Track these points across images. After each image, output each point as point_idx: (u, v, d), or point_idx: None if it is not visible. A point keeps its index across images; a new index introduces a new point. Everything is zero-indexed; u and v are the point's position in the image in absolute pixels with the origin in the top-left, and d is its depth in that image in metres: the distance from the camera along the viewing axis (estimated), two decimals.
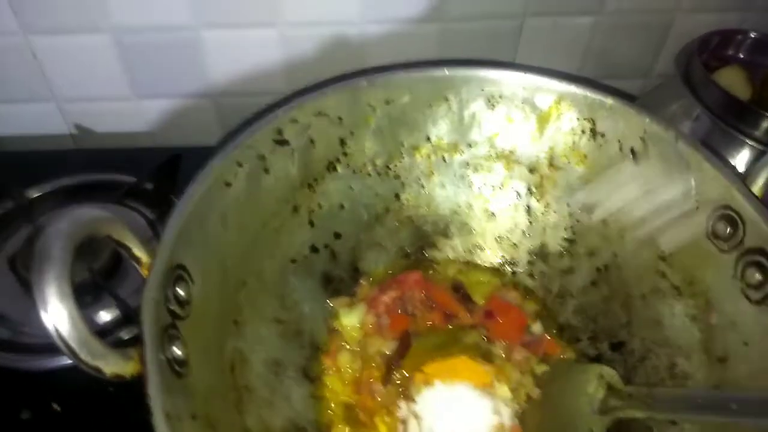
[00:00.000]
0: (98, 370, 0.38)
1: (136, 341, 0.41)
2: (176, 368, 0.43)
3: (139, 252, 0.45)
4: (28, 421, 0.61)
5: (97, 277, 0.68)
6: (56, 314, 0.36)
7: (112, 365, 0.39)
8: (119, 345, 0.42)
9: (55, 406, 0.62)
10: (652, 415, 0.50)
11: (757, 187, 0.52)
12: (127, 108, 0.89)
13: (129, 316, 0.66)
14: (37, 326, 0.67)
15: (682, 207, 0.56)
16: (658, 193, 0.58)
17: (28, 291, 0.69)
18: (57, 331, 0.36)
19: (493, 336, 0.61)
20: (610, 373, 0.53)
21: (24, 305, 0.69)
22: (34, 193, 0.81)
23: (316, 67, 0.80)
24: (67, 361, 0.63)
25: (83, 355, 0.37)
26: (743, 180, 0.53)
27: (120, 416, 0.61)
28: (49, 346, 0.63)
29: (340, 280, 0.64)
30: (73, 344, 0.37)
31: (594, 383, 0.53)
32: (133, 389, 0.60)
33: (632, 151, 0.59)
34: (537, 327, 0.62)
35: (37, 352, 0.65)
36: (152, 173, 0.80)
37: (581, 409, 0.52)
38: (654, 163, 0.58)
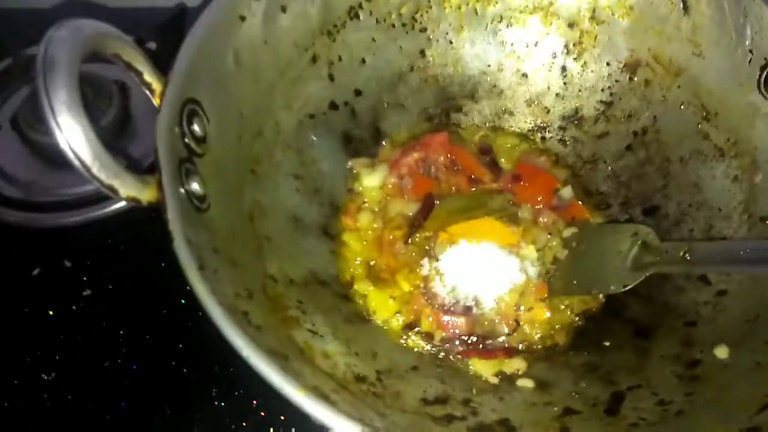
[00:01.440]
0: (113, 189, 0.35)
1: (154, 171, 0.38)
2: (195, 203, 0.40)
3: (150, 78, 0.41)
4: (39, 276, 0.60)
5: (106, 133, 0.65)
6: (67, 126, 0.33)
7: (129, 187, 0.36)
8: None
9: (66, 262, 0.61)
10: (689, 270, 0.48)
11: None
12: None
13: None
14: (46, 185, 0.65)
15: (732, 60, 0.52)
16: (707, 46, 0.54)
17: (33, 149, 0.66)
18: (69, 143, 0.33)
19: (520, 200, 0.58)
20: (645, 231, 0.51)
21: (31, 164, 0.66)
22: (34, 52, 0.75)
23: None
24: (75, 218, 0.62)
25: (97, 171, 0.34)
26: None
27: (128, 271, 0.60)
28: (59, 204, 0.63)
29: (360, 140, 0.61)
30: (86, 159, 0.34)
31: (628, 242, 0.51)
32: (141, 246, 0.59)
33: (684, 1, 0.54)
34: (566, 192, 0.59)
35: (47, 210, 0.63)
36: (155, 31, 0.75)
37: (613, 266, 0.50)
38: (707, 12, 0.53)
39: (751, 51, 0.50)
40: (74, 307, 0.58)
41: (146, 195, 0.37)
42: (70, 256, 0.61)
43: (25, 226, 0.62)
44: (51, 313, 0.57)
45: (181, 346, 0.55)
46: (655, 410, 0.42)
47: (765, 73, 0.50)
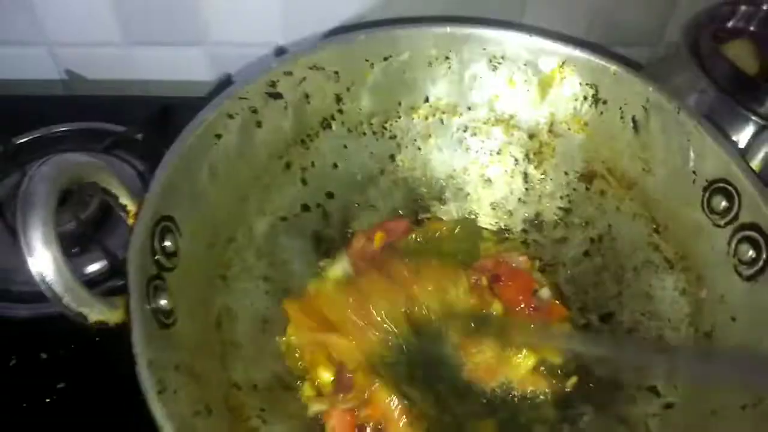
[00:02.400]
0: (83, 317, 0.38)
1: (123, 291, 0.41)
2: (162, 319, 0.43)
3: (126, 200, 0.44)
4: (15, 368, 0.61)
5: (85, 227, 0.67)
6: (41, 259, 0.36)
7: (97, 313, 0.38)
8: (107, 296, 0.41)
9: (42, 354, 0.62)
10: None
11: (755, 163, 0.52)
12: (119, 55, 0.87)
13: (117, 268, 0.65)
14: (26, 274, 0.67)
15: (679, 180, 0.55)
16: (656, 164, 0.57)
17: (16, 238, 0.68)
18: (42, 276, 0.36)
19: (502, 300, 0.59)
20: None
21: (13, 253, 0.66)
22: (23, 139, 0.79)
23: (314, 19, 0.78)
24: (54, 309, 0.64)
25: (68, 301, 0.37)
26: (743, 155, 0.52)
27: (106, 365, 0.60)
28: (38, 294, 0.64)
29: (331, 241, 0.63)
30: (57, 290, 0.36)
31: None
32: (119, 338, 0.60)
33: (633, 120, 0.58)
34: (545, 292, 0.61)
35: (26, 300, 0.64)
36: (142, 123, 0.79)
37: None
38: (654, 133, 0.57)
39: (694, 172, 0.54)
40: (48, 400, 0.59)
41: (114, 317, 0.40)
42: (46, 348, 0.62)
43: (1, 315, 0.64)
44: (24, 405, 0.59)
45: None
46: None
47: (707, 194, 0.53)
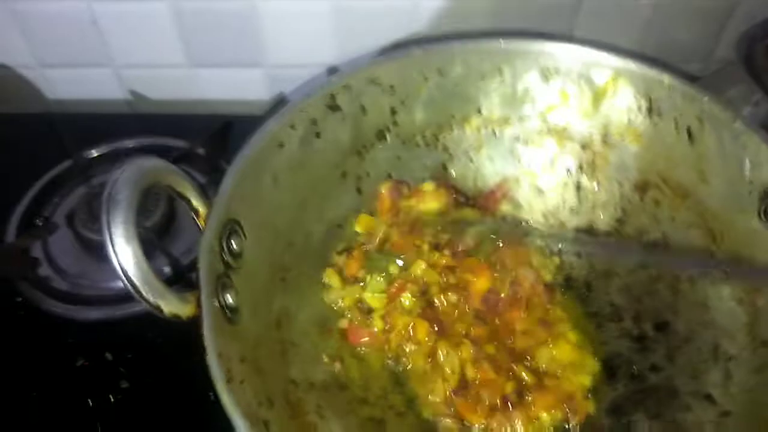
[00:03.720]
0: (159, 308, 0.40)
1: (193, 287, 0.43)
2: (228, 315, 0.45)
3: (197, 203, 0.47)
4: (82, 368, 0.64)
5: (151, 234, 0.70)
6: (123, 254, 0.39)
7: (171, 305, 0.41)
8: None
9: (108, 355, 0.65)
10: None
11: None
12: (181, 75, 0.91)
13: (180, 274, 0.68)
14: (93, 279, 0.71)
15: (734, 188, 0.55)
16: (711, 174, 0.57)
17: (84, 246, 0.72)
18: (123, 269, 0.38)
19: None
20: None
21: (81, 259, 0.72)
22: (91, 154, 0.83)
23: (364, 40, 0.81)
24: (120, 312, 0.67)
25: (146, 293, 0.39)
26: None
27: (164, 366, 0.63)
28: (104, 298, 0.69)
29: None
30: (137, 282, 0.39)
31: None
32: (179, 341, 0.63)
33: (688, 131, 0.58)
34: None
35: (93, 303, 0.68)
36: (204, 139, 0.82)
37: None
38: (709, 143, 0.57)
39: (750, 182, 0.54)
40: (112, 399, 0.62)
41: (186, 311, 0.42)
42: (112, 349, 0.65)
43: (71, 318, 0.67)
44: (90, 402, 0.62)
45: None
46: None
47: (764, 203, 0.53)
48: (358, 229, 0.63)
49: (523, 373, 0.54)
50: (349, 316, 0.58)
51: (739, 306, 0.54)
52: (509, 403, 0.52)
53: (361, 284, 0.59)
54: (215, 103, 0.93)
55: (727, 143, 0.55)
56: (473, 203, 0.66)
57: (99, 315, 0.67)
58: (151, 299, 0.40)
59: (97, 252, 0.72)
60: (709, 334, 0.56)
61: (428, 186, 0.65)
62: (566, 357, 0.55)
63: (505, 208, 0.68)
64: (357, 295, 0.59)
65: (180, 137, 0.85)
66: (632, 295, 0.62)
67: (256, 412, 0.41)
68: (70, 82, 0.92)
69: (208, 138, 0.82)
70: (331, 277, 0.60)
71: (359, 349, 0.57)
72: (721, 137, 0.56)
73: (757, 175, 0.53)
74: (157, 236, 0.72)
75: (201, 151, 0.82)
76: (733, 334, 0.54)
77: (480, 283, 0.58)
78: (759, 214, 0.53)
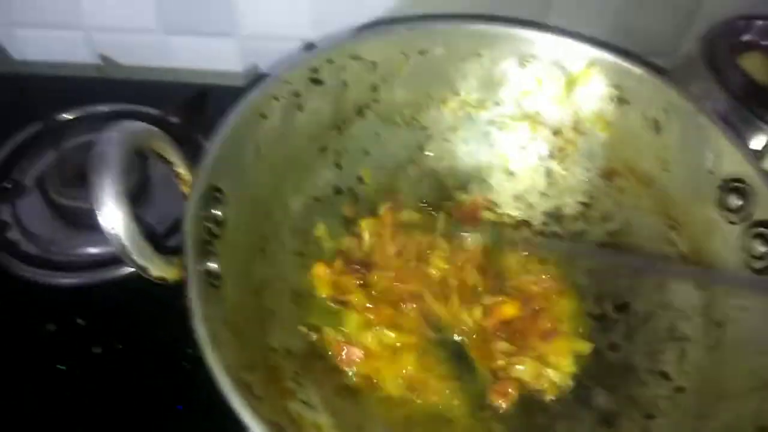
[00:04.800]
0: (146, 270, 0.40)
1: (178, 252, 0.44)
2: (212, 281, 0.46)
3: (181, 169, 0.47)
4: (53, 333, 0.64)
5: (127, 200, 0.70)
6: (111, 215, 0.39)
7: (158, 268, 0.41)
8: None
9: (80, 320, 0.65)
10: None
11: None
12: (154, 42, 0.90)
13: (156, 242, 0.68)
14: (64, 244, 0.70)
15: (695, 179, 0.58)
16: (674, 163, 0.60)
17: (55, 210, 0.71)
18: (112, 230, 0.39)
19: None
20: None
21: (52, 224, 0.71)
22: (62, 118, 0.82)
23: (341, 15, 0.81)
24: (92, 278, 0.67)
25: (134, 255, 0.40)
26: (757, 156, 0.55)
27: (137, 331, 0.64)
28: (75, 264, 0.68)
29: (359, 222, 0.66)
30: (126, 243, 0.39)
31: None
32: (152, 308, 0.63)
33: (655, 122, 0.61)
34: None
35: (64, 269, 0.67)
36: (178, 108, 0.81)
37: None
38: (674, 134, 0.60)
39: (710, 172, 0.57)
40: (84, 364, 0.62)
41: (171, 274, 0.43)
42: (83, 315, 0.65)
43: (42, 282, 0.67)
44: (62, 367, 0.61)
45: (180, 408, 0.59)
46: None
47: (722, 192, 0.56)
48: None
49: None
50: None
51: (696, 289, 0.58)
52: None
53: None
54: (187, 73, 0.92)
55: (690, 135, 0.58)
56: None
57: (70, 281, 0.67)
58: (140, 261, 0.40)
59: (69, 217, 0.71)
60: (666, 315, 0.59)
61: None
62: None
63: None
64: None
65: (152, 105, 0.84)
66: (594, 276, 0.65)
67: (239, 375, 0.42)
68: (39, 43, 0.90)
69: (183, 107, 0.81)
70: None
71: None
72: (686, 129, 0.59)
73: (717, 167, 0.56)
74: (132, 204, 0.71)
75: (174, 119, 0.81)
76: (689, 316, 0.57)
77: None
78: (717, 203, 0.56)
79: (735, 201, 0.55)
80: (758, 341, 0.51)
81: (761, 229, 0.53)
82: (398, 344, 0.56)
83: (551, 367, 0.57)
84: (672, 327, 0.58)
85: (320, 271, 0.60)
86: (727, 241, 0.56)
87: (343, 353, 0.56)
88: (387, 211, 0.65)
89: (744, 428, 0.45)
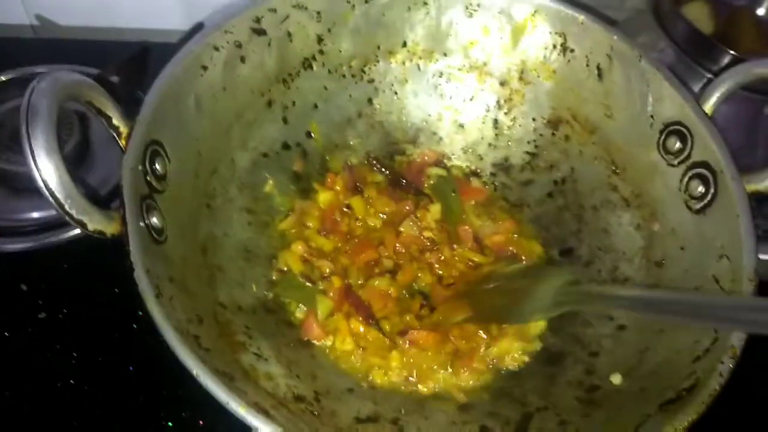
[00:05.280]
0: (83, 224, 0.39)
1: (118, 207, 0.43)
2: (154, 235, 0.45)
3: (118, 122, 0.46)
4: None
5: (67, 162, 0.68)
6: (44, 167, 0.38)
7: (95, 222, 0.40)
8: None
9: (23, 286, 0.63)
10: (593, 310, 0.55)
11: (708, 106, 0.56)
12: (94, 1, 0.86)
13: (100, 204, 0.66)
14: (4, 210, 0.68)
15: (637, 123, 0.60)
16: (617, 109, 0.61)
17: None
18: (45, 183, 0.37)
19: None
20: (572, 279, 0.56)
21: None
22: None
23: None
24: (34, 244, 0.65)
25: (69, 208, 0.38)
26: (697, 100, 0.57)
27: (82, 296, 0.63)
28: (16, 229, 0.66)
29: (309, 178, 0.66)
30: (60, 196, 0.38)
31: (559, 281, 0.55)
32: (96, 271, 0.62)
33: (598, 68, 0.61)
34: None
35: (5, 235, 0.65)
36: (118, 66, 0.78)
37: (540, 302, 0.54)
38: (617, 80, 0.61)
39: (652, 116, 0.58)
40: (30, 329, 0.60)
41: (111, 228, 0.42)
42: (26, 280, 0.63)
43: None
44: (6, 334, 0.60)
45: (131, 369, 0.59)
46: (556, 430, 0.48)
47: (663, 136, 0.57)
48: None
49: None
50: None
51: (637, 231, 0.59)
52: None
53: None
54: (130, 32, 0.89)
55: (633, 80, 0.59)
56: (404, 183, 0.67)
57: (12, 246, 0.65)
58: (75, 214, 0.39)
59: (8, 182, 0.68)
60: (608, 257, 0.61)
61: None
62: None
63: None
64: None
65: (91, 65, 0.81)
66: (541, 224, 0.66)
67: (186, 328, 0.42)
68: None
69: (123, 65, 0.78)
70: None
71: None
72: (628, 74, 0.59)
73: (658, 111, 0.58)
74: (73, 166, 0.69)
75: (114, 78, 0.78)
76: (630, 258, 0.59)
77: None
78: (658, 147, 0.58)
79: (675, 144, 0.57)
80: (695, 278, 0.53)
81: (699, 170, 0.55)
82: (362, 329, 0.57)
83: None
84: (614, 268, 0.60)
85: (297, 248, 0.60)
86: (667, 184, 0.57)
87: (308, 328, 0.56)
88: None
89: (683, 360, 0.47)
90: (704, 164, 0.54)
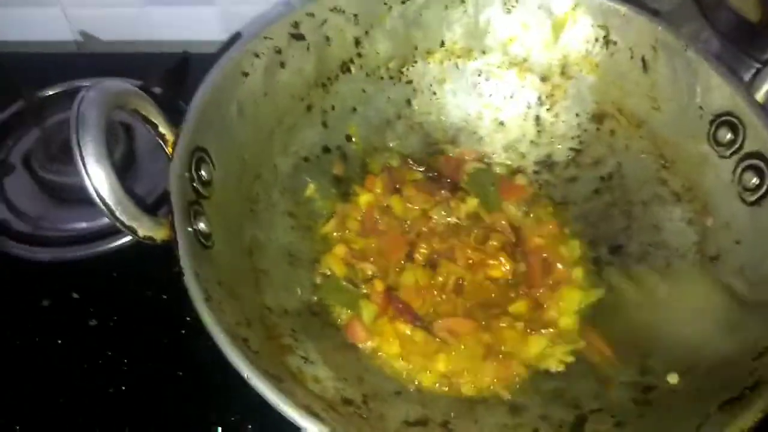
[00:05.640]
0: (133, 230, 0.40)
1: (166, 213, 0.43)
2: (202, 240, 0.45)
3: (164, 130, 0.46)
4: (49, 308, 0.64)
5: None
6: (95, 175, 0.38)
7: (145, 228, 0.41)
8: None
9: (74, 294, 0.65)
10: None
11: (760, 95, 0.54)
12: (133, 15, 0.88)
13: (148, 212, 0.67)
14: (54, 220, 0.70)
15: (685, 115, 0.58)
16: (664, 101, 0.60)
17: (43, 187, 0.71)
18: (96, 190, 0.38)
19: None
20: None
21: (40, 201, 0.71)
22: (44, 94, 0.81)
23: None
24: (83, 252, 0.66)
25: (120, 215, 0.39)
26: (747, 88, 0.55)
27: (131, 303, 0.64)
28: (66, 239, 0.68)
29: (349, 181, 0.66)
30: (110, 203, 0.38)
31: None
32: (145, 278, 0.63)
33: (643, 60, 0.60)
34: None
35: (55, 244, 0.67)
36: (160, 78, 0.80)
37: None
38: (662, 71, 0.59)
39: (700, 107, 0.56)
40: (81, 337, 0.62)
41: (160, 234, 0.42)
42: (78, 289, 0.65)
43: (33, 259, 0.66)
44: (59, 341, 0.61)
45: (180, 373, 0.59)
46: (612, 431, 0.46)
47: (713, 127, 0.56)
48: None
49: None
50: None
51: (689, 226, 0.58)
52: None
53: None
54: (169, 44, 0.91)
55: (679, 71, 0.57)
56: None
57: (62, 256, 0.66)
58: (126, 221, 0.40)
59: (57, 193, 0.70)
60: (660, 253, 0.59)
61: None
62: None
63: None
64: None
65: (134, 76, 0.82)
66: (588, 221, 0.64)
67: (235, 331, 0.42)
68: (17, 22, 0.88)
69: (164, 76, 0.80)
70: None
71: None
72: (674, 65, 0.58)
73: (707, 101, 0.56)
74: (119, 176, 0.70)
75: (157, 90, 0.80)
76: (683, 253, 0.57)
77: None
78: (708, 139, 0.56)
79: (726, 135, 0.55)
80: (751, 270, 0.51)
81: (753, 161, 0.53)
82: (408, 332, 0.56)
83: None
84: (667, 265, 0.58)
85: (339, 251, 0.60)
86: (719, 176, 0.55)
87: (353, 332, 0.56)
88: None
89: (742, 359, 0.45)
90: (758, 155, 0.52)
